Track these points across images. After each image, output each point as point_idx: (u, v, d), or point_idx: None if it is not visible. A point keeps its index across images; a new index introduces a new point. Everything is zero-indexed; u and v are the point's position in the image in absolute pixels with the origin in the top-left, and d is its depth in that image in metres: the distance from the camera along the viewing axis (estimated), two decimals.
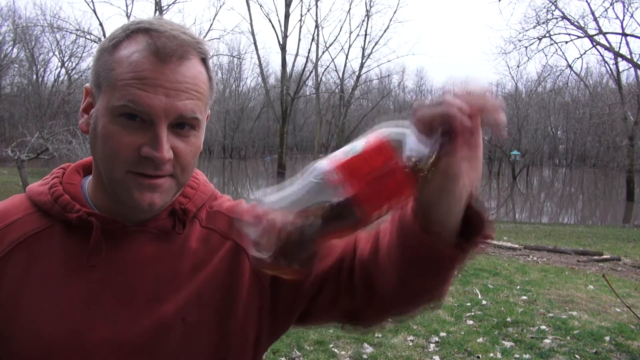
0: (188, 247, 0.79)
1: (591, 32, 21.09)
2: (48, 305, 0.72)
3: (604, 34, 21.31)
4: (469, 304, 4.84)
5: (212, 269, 0.79)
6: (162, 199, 0.73)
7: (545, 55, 24.79)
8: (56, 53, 37.75)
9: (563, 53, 31.70)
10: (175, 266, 0.77)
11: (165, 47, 0.68)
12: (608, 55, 23.42)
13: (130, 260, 0.75)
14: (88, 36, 27.86)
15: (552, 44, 22.10)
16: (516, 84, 44.80)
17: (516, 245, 8.66)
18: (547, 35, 21.57)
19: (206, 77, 0.73)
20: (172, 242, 0.79)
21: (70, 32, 28.63)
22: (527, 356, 3.63)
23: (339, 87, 37.30)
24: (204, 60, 0.73)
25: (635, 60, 20.91)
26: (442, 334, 4.02)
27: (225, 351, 0.79)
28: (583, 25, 21.07)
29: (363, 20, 34.26)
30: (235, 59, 46.28)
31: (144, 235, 0.77)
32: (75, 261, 0.74)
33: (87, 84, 0.76)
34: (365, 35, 34.26)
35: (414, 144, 0.56)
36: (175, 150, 0.70)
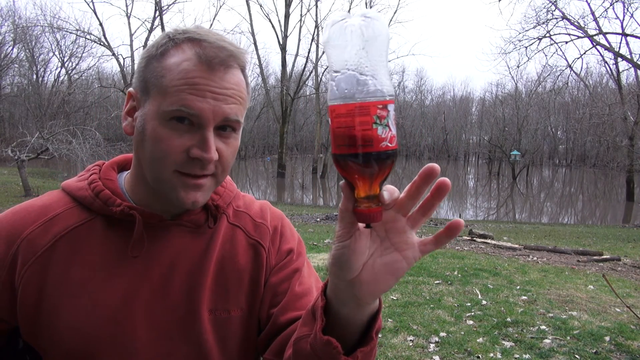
0: (216, 241, 0.85)
1: (591, 32, 21.07)
2: (90, 295, 0.77)
3: (604, 34, 21.28)
4: (469, 304, 4.84)
5: (238, 265, 0.85)
6: (204, 197, 0.78)
7: (545, 56, 24.82)
8: (56, 53, 37.84)
9: (563, 53, 31.84)
10: (205, 259, 0.83)
11: (214, 57, 0.73)
12: (608, 55, 23.44)
13: (167, 252, 0.81)
14: (88, 36, 27.90)
15: (552, 44, 22.09)
16: (516, 84, 44.84)
17: (516, 245, 8.65)
18: (547, 35, 21.54)
19: (245, 85, 0.78)
20: (203, 236, 0.85)
21: (70, 32, 28.72)
22: (527, 356, 3.63)
23: None
24: (243, 69, 0.78)
25: (635, 60, 20.87)
26: (442, 334, 4.02)
27: (247, 343, 0.85)
28: (583, 25, 21.04)
29: None
30: None
31: (179, 229, 0.83)
32: (116, 253, 0.79)
33: (131, 89, 0.79)
34: None
35: None
36: (219, 152, 0.75)
